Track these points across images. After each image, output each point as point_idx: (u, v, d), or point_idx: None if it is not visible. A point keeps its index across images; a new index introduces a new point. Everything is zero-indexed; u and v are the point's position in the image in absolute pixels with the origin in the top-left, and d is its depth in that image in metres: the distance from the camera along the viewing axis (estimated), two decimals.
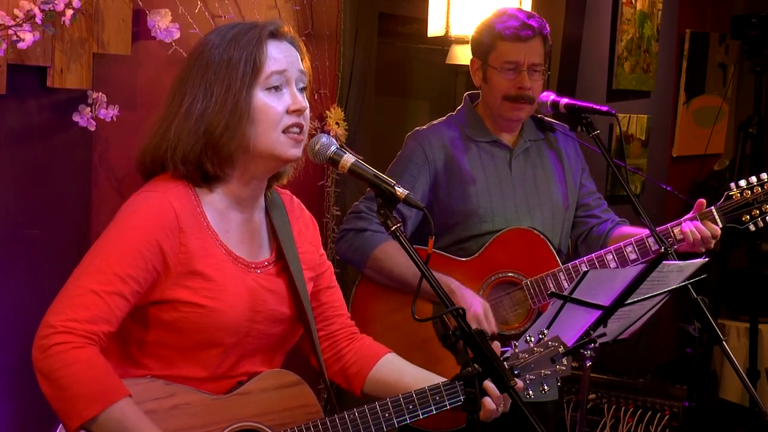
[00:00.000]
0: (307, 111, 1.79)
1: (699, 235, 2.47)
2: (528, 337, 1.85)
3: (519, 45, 2.54)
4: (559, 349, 1.84)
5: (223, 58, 1.73)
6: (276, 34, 1.78)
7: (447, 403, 1.79)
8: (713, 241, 2.50)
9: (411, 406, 1.79)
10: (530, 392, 1.83)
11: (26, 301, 2.44)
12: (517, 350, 1.84)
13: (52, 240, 2.52)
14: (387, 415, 1.78)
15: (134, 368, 1.76)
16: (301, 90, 1.79)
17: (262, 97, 1.74)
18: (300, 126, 1.77)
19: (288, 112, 1.75)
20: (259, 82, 1.74)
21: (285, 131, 1.75)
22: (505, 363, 1.81)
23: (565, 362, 1.85)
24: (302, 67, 1.80)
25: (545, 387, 1.84)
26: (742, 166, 3.83)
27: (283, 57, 1.76)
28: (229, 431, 1.76)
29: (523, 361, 1.83)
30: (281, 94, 1.76)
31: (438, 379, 1.83)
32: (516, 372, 1.82)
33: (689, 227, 2.47)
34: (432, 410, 1.79)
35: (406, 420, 1.79)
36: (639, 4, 4.42)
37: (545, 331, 1.86)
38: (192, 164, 1.74)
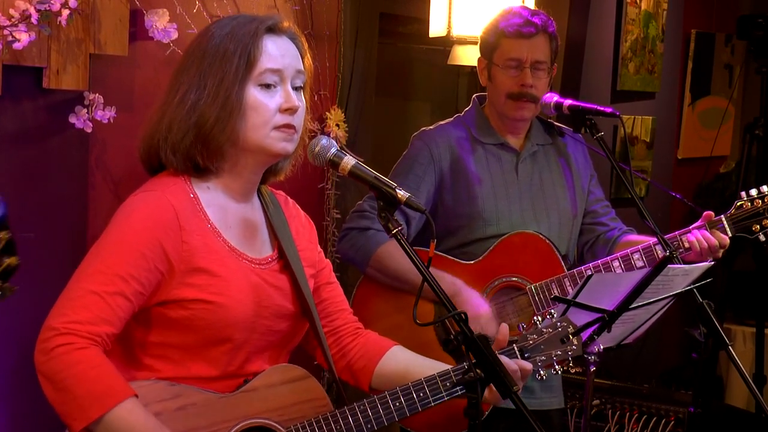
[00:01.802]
0: (301, 110, 1.77)
1: (706, 244, 2.44)
2: (537, 319, 1.83)
3: (521, 42, 2.52)
4: (569, 329, 1.83)
5: (218, 50, 1.72)
6: (274, 29, 1.76)
7: (458, 388, 1.77)
8: (721, 251, 2.47)
9: (422, 394, 1.77)
10: (542, 372, 1.81)
11: (23, 305, 2.41)
12: (526, 332, 1.83)
13: (48, 243, 2.50)
14: (398, 404, 1.76)
15: (140, 371, 1.74)
16: (297, 89, 1.77)
17: (254, 93, 1.73)
18: (291, 126, 1.75)
19: (280, 110, 1.74)
20: (252, 77, 1.73)
21: (276, 129, 1.74)
22: (514, 346, 1.80)
23: (576, 342, 1.83)
24: (300, 67, 1.78)
25: (556, 368, 1.82)
26: (748, 169, 3.80)
27: (279, 55, 1.75)
28: (238, 429, 1.74)
29: (533, 343, 1.81)
30: (274, 92, 1.74)
31: (447, 367, 1.81)
32: (526, 354, 1.81)
33: (696, 236, 2.44)
34: (443, 397, 1.78)
35: (417, 409, 1.77)
36: (644, 4, 4.39)
37: (553, 312, 1.84)
38: (182, 155, 1.73)
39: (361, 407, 1.76)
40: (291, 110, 1.74)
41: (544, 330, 1.82)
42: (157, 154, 1.76)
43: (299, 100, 1.76)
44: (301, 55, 1.79)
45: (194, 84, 1.72)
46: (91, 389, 1.61)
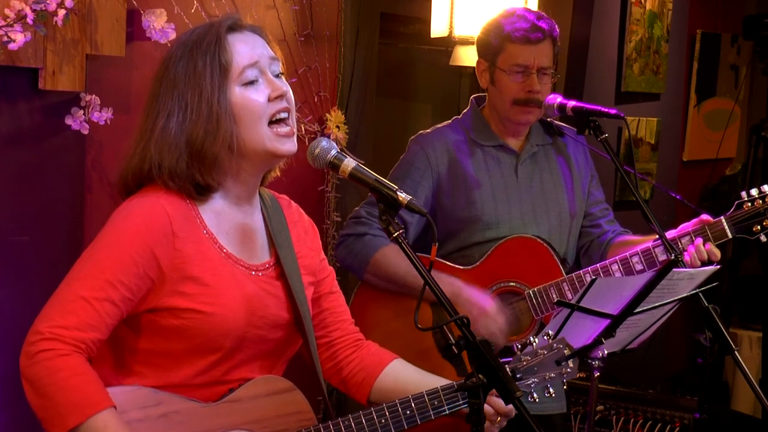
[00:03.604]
0: (290, 94, 1.77)
1: (699, 263, 2.41)
2: (532, 339, 1.79)
3: (529, 47, 2.49)
4: (564, 351, 1.79)
5: (188, 69, 1.72)
6: (235, 28, 1.76)
7: (446, 408, 1.76)
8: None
9: (408, 412, 1.76)
10: (535, 396, 1.78)
11: (18, 308, 2.41)
12: (520, 353, 1.79)
13: (43, 247, 2.49)
14: (383, 421, 1.75)
15: (128, 377, 1.73)
16: (278, 76, 1.77)
17: (239, 93, 1.72)
18: (287, 110, 1.75)
19: (270, 100, 1.73)
20: (232, 80, 1.72)
21: (272, 122, 1.73)
22: (507, 367, 1.76)
23: (571, 364, 1.79)
24: (273, 53, 1.78)
25: (550, 390, 1.78)
26: (754, 171, 3.77)
27: (249, 49, 1.75)
28: None
29: (526, 364, 1.77)
30: (259, 86, 1.74)
31: (445, 383, 1.79)
32: (518, 375, 1.78)
33: (690, 255, 2.41)
34: (430, 416, 1.76)
35: (403, 426, 1.76)
36: (648, 4, 4.36)
37: (550, 333, 1.80)
38: (181, 178, 1.72)
39: (346, 422, 1.75)
40: (281, 96, 1.74)
41: (539, 351, 1.77)
42: (148, 181, 1.74)
43: (285, 85, 1.76)
44: (268, 43, 1.79)
45: (174, 108, 1.72)
46: (69, 398, 1.60)
